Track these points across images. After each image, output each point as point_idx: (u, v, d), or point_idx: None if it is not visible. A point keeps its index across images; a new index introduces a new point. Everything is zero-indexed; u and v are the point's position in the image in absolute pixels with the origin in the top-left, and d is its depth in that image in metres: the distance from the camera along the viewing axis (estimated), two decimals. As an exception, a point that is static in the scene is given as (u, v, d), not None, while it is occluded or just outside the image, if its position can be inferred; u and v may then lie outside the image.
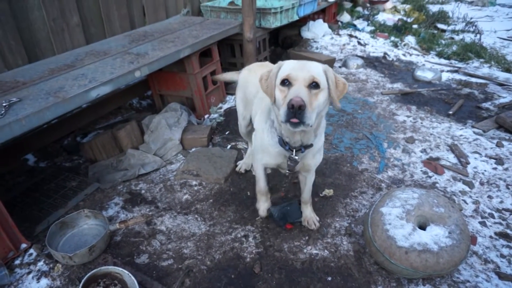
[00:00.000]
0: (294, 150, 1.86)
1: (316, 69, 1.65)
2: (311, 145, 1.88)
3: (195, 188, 2.80)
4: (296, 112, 1.50)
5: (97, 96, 2.43)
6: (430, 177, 2.85)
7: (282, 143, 1.86)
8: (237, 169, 2.94)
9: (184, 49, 3.18)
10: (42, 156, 3.23)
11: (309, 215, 2.41)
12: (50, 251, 2.11)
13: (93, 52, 3.07)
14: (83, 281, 1.86)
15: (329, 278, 2.06)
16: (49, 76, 2.57)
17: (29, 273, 2.11)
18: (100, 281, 1.98)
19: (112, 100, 3.63)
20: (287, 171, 2.04)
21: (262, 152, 2.06)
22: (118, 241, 2.34)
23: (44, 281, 2.06)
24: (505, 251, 2.22)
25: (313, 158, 2.03)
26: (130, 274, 1.96)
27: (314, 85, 1.61)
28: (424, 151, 3.18)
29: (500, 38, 6.52)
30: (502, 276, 2.05)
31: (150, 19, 4.14)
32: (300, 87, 1.57)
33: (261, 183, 2.32)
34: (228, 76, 3.13)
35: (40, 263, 2.16)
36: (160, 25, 3.97)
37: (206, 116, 3.72)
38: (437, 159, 3.07)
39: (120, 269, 1.99)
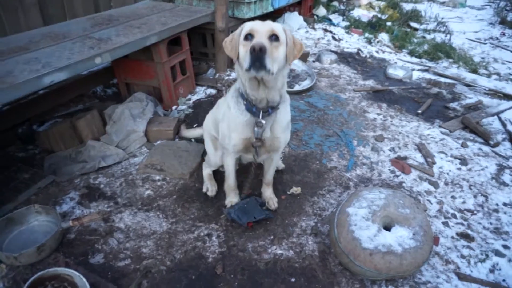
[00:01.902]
0: (261, 113, 1.91)
1: (276, 25, 1.77)
2: (277, 107, 1.95)
3: (158, 183, 2.67)
4: (258, 56, 1.59)
5: (51, 83, 2.24)
6: (397, 176, 2.86)
7: (250, 106, 1.91)
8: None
9: (150, 36, 3.01)
10: (-8, 145, 2.99)
11: (269, 195, 2.50)
12: (-7, 250, 1.94)
13: (50, 35, 2.84)
14: (26, 284, 1.71)
15: (293, 280, 2.02)
16: (-3, 58, 2.35)
17: (-32, 274, 1.93)
18: (48, 283, 1.83)
19: (73, 87, 3.42)
20: (256, 144, 2.01)
21: (229, 133, 2.05)
22: (72, 239, 2.19)
23: (-14, 284, 1.89)
24: (465, 251, 2.25)
25: (283, 133, 2.07)
26: (81, 276, 1.83)
27: (274, 38, 1.72)
28: (392, 149, 3.19)
29: (469, 39, 6.69)
30: (461, 277, 2.08)
31: (116, 2, 3.91)
32: (261, 37, 1.68)
33: (231, 179, 2.38)
34: (197, 132, 3.08)
35: (-18, 264, 1.98)
36: (127, 9, 3.75)
37: (173, 108, 3.57)
38: (405, 158, 3.09)
39: (71, 270, 1.86)
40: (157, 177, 2.71)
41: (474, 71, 5.10)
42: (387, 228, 2.03)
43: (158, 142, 3.08)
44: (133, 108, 3.12)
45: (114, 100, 3.73)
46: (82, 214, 2.37)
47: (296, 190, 2.62)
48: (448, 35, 6.44)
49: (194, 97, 3.85)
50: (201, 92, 3.94)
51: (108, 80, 3.92)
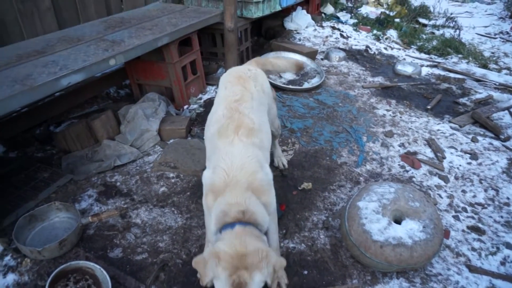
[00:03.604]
0: None
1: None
2: None
3: (172, 180, 2.74)
4: None
5: (68, 84, 2.33)
6: (407, 171, 2.89)
7: None
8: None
9: (162, 37, 3.08)
10: (12, 146, 3.08)
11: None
12: (17, 245, 2.03)
13: (65, 38, 2.94)
14: (51, 276, 1.79)
15: (305, 272, 2.07)
16: (16, 62, 2.44)
17: (-5, 268, 2.02)
18: (70, 276, 1.92)
19: (87, 89, 3.51)
20: None
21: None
22: (91, 235, 2.28)
23: (11, 276, 1.98)
24: (476, 244, 2.27)
25: None
26: (102, 269, 1.91)
27: None
28: (402, 145, 3.22)
29: (478, 34, 6.65)
30: (472, 269, 2.10)
31: (127, 5, 3.99)
32: None
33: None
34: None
35: (7, 258, 2.07)
36: (138, 12, 3.84)
37: (185, 107, 3.65)
38: (415, 153, 3.11)
39: (92, 264, 1.93)
40: (171, 175, 2.78)
41: (484, 66, 5.08)
42: (398, 221, 2.07)
43: (171, 140, 3.15)
44: (146, 108, 3.20)
45: (127, 101, 3.82)
46: (100, 210, 2.45)
47: (307, 185, 2.67)
48: (457, 31, 6.40)
49: (205, 96, 3.92)
50: (211, 91, 4.00)
51: (121, 81, 4.01)
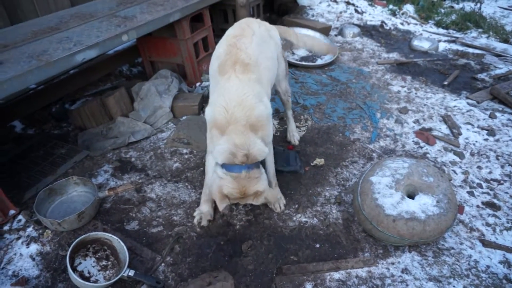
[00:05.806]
0: None
1: None
2: None
3: (186, 156, 2.77)
4: None
5: (83, 60, 2.34)
6: (421, 147, 2.85)
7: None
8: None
9: (174, 13, 3.06)
10: (29, 123, 3.17)
11: (272, 197, 2.06)
12: (39, 217, 2.11)
13: (78, 15, 2.94)
14: (71, 246, 1.86)
15: (317, 245, 2.09)
16: (32, 38, 2.47)
17: (18, 238, 2.11)
18: (90, 246, 1.99)
19: (101, 67, 3.54)
20: None
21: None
22: (108, 208, 2.34)
23: (34, 246, 2.06)
24: (491, 220, 2.25)
25: None
26: (119, 240, 1.97)
27: None
28: (417, 121, 3.16)
29: (501, 7, 6.36)
30: (486, 243, 2.09)
31: (138, -19, 3.94)
32: None
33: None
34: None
35: (29, 229, 2.16)
36: (149, -12, 3.79)
37: (197, 84, 3.64)
38: (430, 129, 3.06)
39: (110, 235, 2.00)
40: (185, 151, 2.81)
41: (506, 41, 4.88)
42: (411, 196, 2.06)
43: (184, 117, 3.17)
44: (159, 85, 3.21)
45: (139, 78, 3.83)
46: (116, 185, 2.51)
47: (319, 161, 2.67)
48: (478, 4, 6.14)
49: (217, 74, 3.89)
50: (223, 69, 3.97)
51: (133, 59, 4.02)
